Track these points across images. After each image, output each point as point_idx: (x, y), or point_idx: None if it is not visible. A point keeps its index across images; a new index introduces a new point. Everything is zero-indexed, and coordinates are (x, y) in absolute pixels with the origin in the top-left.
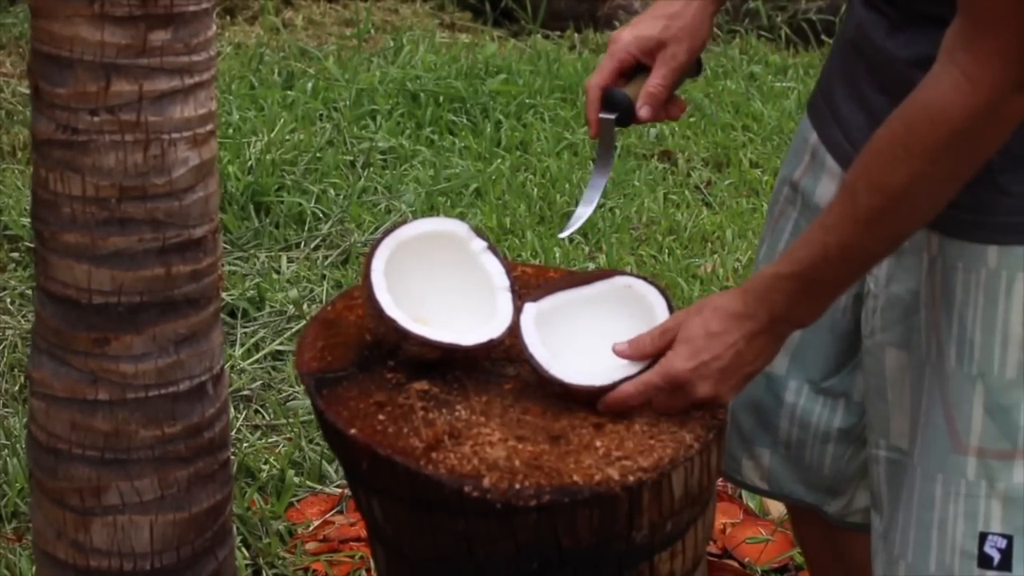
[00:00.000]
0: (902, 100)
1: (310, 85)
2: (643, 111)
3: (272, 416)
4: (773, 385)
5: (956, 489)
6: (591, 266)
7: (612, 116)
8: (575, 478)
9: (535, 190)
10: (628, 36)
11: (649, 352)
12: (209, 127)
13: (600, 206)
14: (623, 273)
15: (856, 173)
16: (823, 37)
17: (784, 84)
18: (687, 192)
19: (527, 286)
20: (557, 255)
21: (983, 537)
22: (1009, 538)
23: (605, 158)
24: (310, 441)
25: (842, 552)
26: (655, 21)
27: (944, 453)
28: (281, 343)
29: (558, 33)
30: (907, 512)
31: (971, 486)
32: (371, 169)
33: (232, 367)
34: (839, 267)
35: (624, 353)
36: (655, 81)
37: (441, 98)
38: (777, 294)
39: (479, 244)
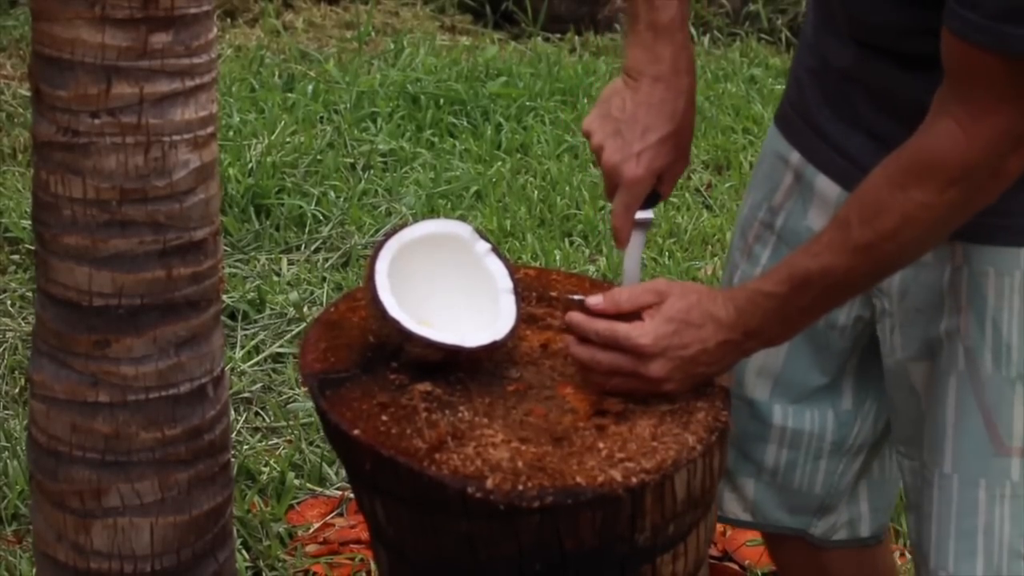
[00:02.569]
0: (914, 124)
1: (311, 88)
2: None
3: (272, 418)
4: (758, 411)
5: (1002, 491)
6: (591, 269)
7: (650, 215)
8: (578, 480)
9: (535, 193)
10: (645, 173)
11: (624, 308)
12: (210, 129)
13: (600, 208)
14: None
15: (851, 207)
16: None
17: (784, 87)
18: (687, 195)
19: (530, 288)
20: (558, 258)
21: None
22: None
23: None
24: (310, 443)
25: (827, 572)
26: (663, 147)
27: (986, 458)
28: (281, 345)
29: (558, 36)
30: (942, 522)
31: (1016, 487)
32: (371, 172)
33: (232, 369)
34: (819, 294)
35: (599, 304)
36: (667, 190)
37: (441, 101)
38: (755, 309)
39: (483, 246)
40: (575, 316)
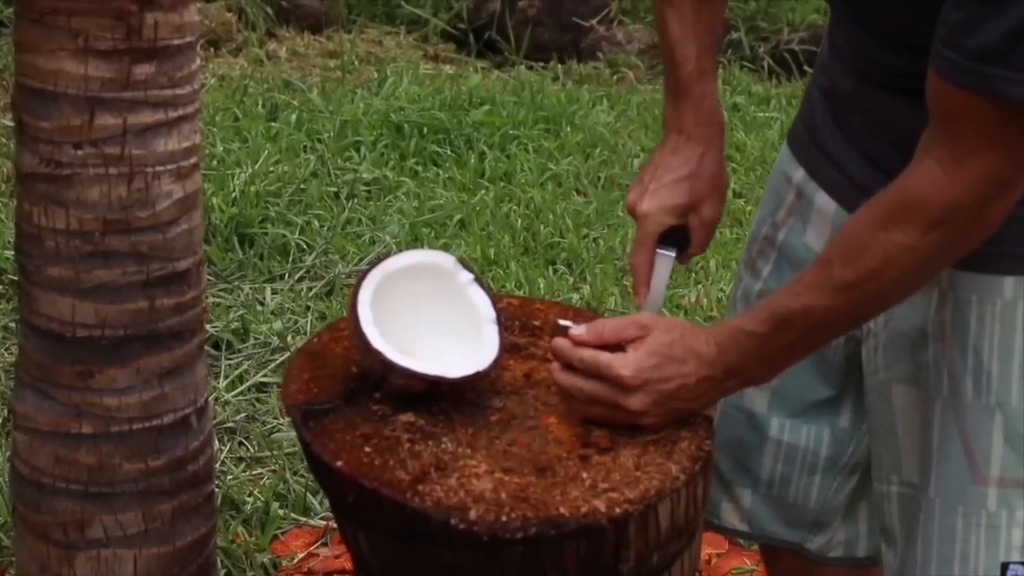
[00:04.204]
0: (907, 149)
1: (294, 117)
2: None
3: (256, 448)
4: (755, 423)
5: (978, 520)
6: (575, 297)
7: (672, 253)
8: (561, 510)
9: (519, 221)
10: (656, 208)
11: (607, 340)
12: (193, 160)
13: (584, 236)
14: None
15: (833, 247)
16: (805, 67)
17: (767, 114)
18: None
19: (513, 318)
20: (542, 286)
21: (1004, 567)
22: None
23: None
24: (295, 473)
25: None
26: (678, 187)
27: (964, 485)
28: (265, 375)
29: (542, 64)
30: (926, 547)
31: (992, 516)
32: (355, 200)
33: (216, 399)
34: (800, 334)
35: (581, 336)
36: (698, 244)
37: (425, 129)
38: (736, 347)
39: (465, 276)
40: (560, 342)
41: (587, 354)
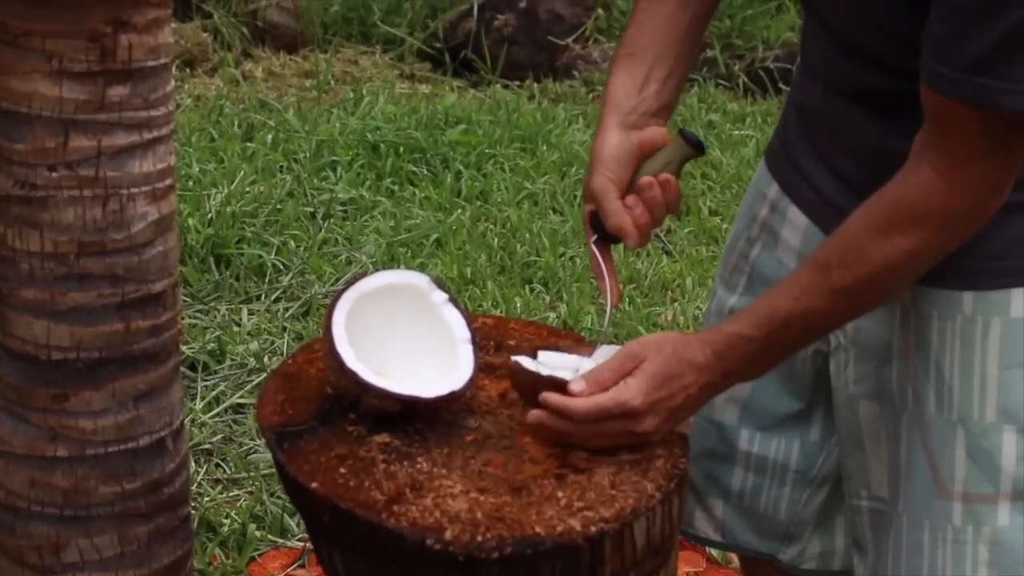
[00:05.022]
0: (871, 166)
1: (270, 137)
2: (630, 243)
3: (233, 470)
4: (725, 434)
5: (944, 535)
6: (552, 316)
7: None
8: (537, 529)
9: (495, 240)
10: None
11: (609, 385)
12: (168, 182)
13: (560, 255)
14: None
15: (830, 251)
16: (781, 85)
17: (742, 132)
18: None
19: (488, 337)
20: (518, 305)
21: None
22: None
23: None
24: (271, 495)
25: None
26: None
27: (930, 500)
28: (242, 396)
29: (517, 83)
30: (896, 561)
31: (958, 532)
32: (331, 221)
33: (193, 420)
34: (798, 334)
35: (584, 392)
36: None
37: (401, 149)
38: (734, 352)
39: (440, 296)
40: (552, 398)
41: (587, 404)
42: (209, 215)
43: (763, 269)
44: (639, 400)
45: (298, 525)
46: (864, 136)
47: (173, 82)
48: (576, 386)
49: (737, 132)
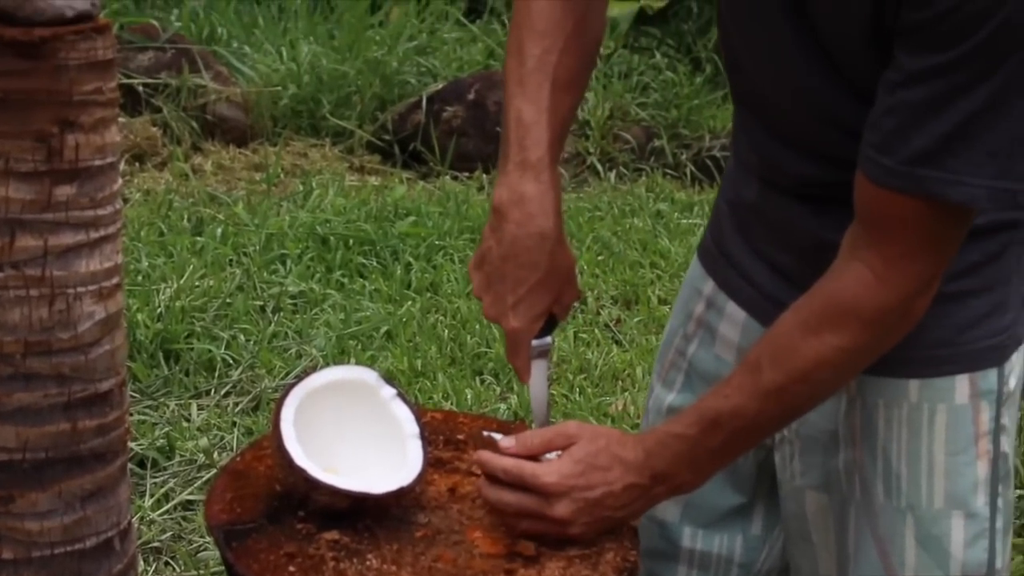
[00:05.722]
0: (811, 259)
1: (219, 231)
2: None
3: (183, 568)
4: (668, 533)
5: None
6: (502, 408)
7: (547, 340)
8: None
9: (446, 332)
10: (525, 322)
11: (536, 450)
12: (115, 280)
13: None
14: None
15: (762, 350)
16: None
17: (690, 221)
18: (596, 330)
19: (437, 432)
20: (469, 396)
21: None
22: None
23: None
24: None
25: None
26: (537, 293)
27: None
28: (191, 492)
29: (466, 174)
30: None
31: None
32: (281, 314)
33: (142, 519)
34: (729, 436)
35: (511, 450)
36: (563, 317)
37: (351, 241)
38: (664, 451)
39: (388, 391)
40: (484, 455)
41: (510, 463)
42: (158, 310)
43: (701, 366)
44: (553, 479)
45: None
46: (804, 230)
47: (121, 180)
48: (505, 442)
49: (685, 221)
